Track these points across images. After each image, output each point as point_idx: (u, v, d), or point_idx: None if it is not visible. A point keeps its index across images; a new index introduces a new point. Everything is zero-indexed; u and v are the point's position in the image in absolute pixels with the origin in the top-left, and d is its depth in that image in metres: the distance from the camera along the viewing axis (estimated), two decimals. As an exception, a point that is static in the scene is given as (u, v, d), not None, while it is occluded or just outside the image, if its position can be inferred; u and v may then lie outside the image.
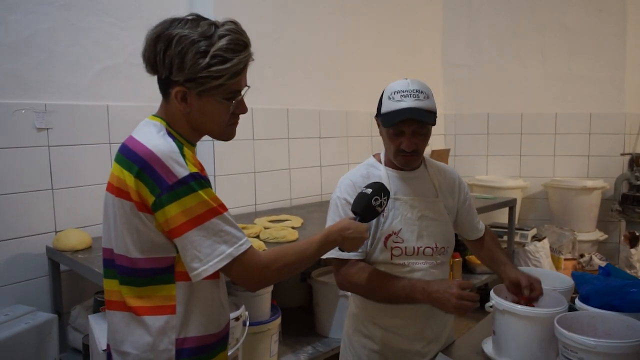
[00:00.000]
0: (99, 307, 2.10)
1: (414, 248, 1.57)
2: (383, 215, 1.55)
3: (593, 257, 3.86)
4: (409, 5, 4.30)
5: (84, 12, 2.44)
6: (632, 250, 3.85)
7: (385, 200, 1.38)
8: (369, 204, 1.34)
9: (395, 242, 1.56)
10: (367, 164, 1.66)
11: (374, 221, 1.54)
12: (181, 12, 2.75)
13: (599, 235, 4.23)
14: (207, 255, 1.07)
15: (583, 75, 4.41)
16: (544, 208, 4.49)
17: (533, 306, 1.53)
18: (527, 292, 1.50)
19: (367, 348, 1.64)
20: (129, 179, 1.09)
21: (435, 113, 1.51)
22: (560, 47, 4.44)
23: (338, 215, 1.57)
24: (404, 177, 1.60)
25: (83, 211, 2.44)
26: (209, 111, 1.16)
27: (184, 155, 1.09)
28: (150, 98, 2.67)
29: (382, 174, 1.59)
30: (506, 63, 4.58)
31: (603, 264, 3.70)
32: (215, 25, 1.12)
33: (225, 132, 1.22)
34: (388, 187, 1.49)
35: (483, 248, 1.78)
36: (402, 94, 1.46)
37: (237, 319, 2.05)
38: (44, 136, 2.31)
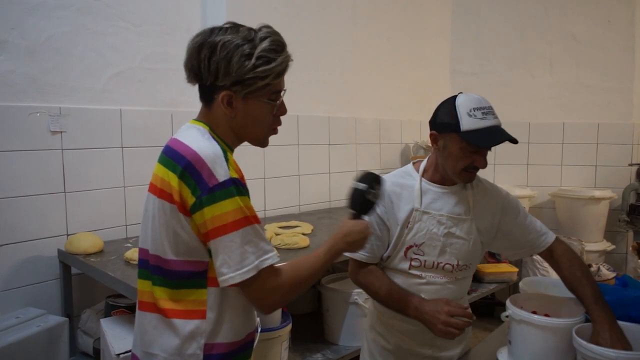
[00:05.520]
0: (110, 311, 2.10)
1: (433, 262, 1.56)
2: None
3: (601, 267, 3.83)
4: (418, 14, 4.31)
5: (99, 17, 2.45)
6: (640, 261, 3.83)
7: (378, 188, 1.32)
8: (365, 199, 1.30)
9: (416, 254, 1.56)
10: (403, 171, 1.64)
11: (397, 229, 1.55)
12: (194, 18, 2.81)
13: (606, 245, 4.21)
14: (236, 263, 1.07)
15: (591, 85, 4.41)
16: (551, 218, 4.47)
17: (549, 316, 1.53)
18: None
19: (380, 345, 1.67)
20: (173, 180, 1.10)
21: None
22: (568, 57, 4.44)
23: None
24: (439, 192, 1.57)
25: (95, 215, 2.44)
26: (254, 113, 1.18)
27: (227, 160, 1.11)
28: (162, 103, 2.73)
29: (416, 184, 1.57)
30: (514, 72, 4.58)
31: (612, 274, 3.68)
32: (253, 30, 1.16)
33: (266, 136, 1.24)
34: (419, 199, 1.51)
35: (559, 269, 1.60)
36: (483, 111, 1.44)
37: (248, 324, 2.04)
38: (57, 139, 2.32)
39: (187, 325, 1.12)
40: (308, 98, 3.40)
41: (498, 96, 4.71)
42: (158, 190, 1.15)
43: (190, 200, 1.08)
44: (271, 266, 1.11)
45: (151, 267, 1.17)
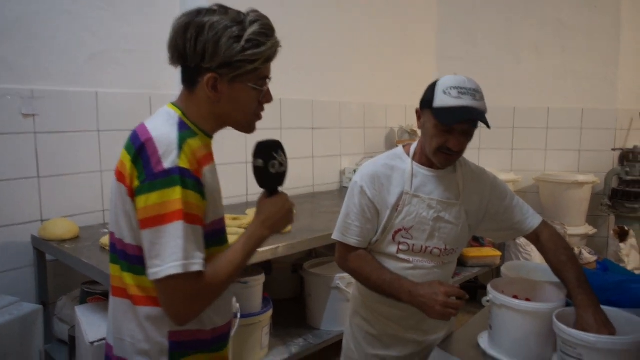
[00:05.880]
0: (86, 297, 2.05)
1: (422, 247, 1.54)
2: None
3: (583, 251, 3.87)
4: (404, -4, 4.26)
5: (72, -4, 2.36)
6: (622, 245, 3.86)
7: (280, 154, 1.19)
8: (271, 174, 1.18)
9: (404, 238, 1.54)
10: (393, 154, 1.61)
11: (387, 212, 1.52)
12: (173, -2, 2.72)
13: (588, 229, 4.25)
14: (168, 256, 1.01)
15: (576, 70, 4.41)
16: (534, 202, 4.49)
17: (530, 300, 1.52)
18: None
19: (364, 331, 1.65)
20: (128, 163, 1.08)
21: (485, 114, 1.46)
22: (554, 42, 4.43)
23: (353, 202, 1.56)
24: (429, 175, 1.55)
25: (70, 200, 2.38)
26: (239, 99, 1.13)
27: (181, 148, 1.05)
28: (140, 85, 2.65)
29: (407, 167, 1.55)
30: (500, 57, 4.55)
31: (593, 258, 3.72)
32: (242, 13, 1.11)
33: (251, 122, 1.19)
34: (409, 182, 1.49)
35: (545, 253, 1.59)
36: (460, 90, 1.41)
37: (228, 311, 2.01)
38: (30, 123, 2.24)
39: (152, 312, 1.09)
40: (291, 81, 3.34)
41: (484, 81, 4.59)
42: (118, 173, 1.12)
43: (135, 184, 1.05)
44: (197, 272, 1.03)
45: (118, 252, 1.14)
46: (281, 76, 3.21)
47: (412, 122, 4.01)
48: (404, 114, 4.33)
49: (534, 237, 1.61)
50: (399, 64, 4.26)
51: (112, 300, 1.18)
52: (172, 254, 1.00)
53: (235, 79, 1.10)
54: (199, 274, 1.04)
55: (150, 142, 1.05)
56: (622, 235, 3.92)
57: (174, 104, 1.16)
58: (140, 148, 1.06)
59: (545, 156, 4.54)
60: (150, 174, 1.02)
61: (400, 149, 1.62)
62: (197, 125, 1.14)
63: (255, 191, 3.16)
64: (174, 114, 1.13)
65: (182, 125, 1.11)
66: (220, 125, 1.19)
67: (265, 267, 2.62)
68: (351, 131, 3.85)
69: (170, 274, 1.00)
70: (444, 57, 4.65)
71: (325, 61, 3.58)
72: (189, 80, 1.13)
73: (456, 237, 1.57)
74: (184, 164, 1.04)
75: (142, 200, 1.03)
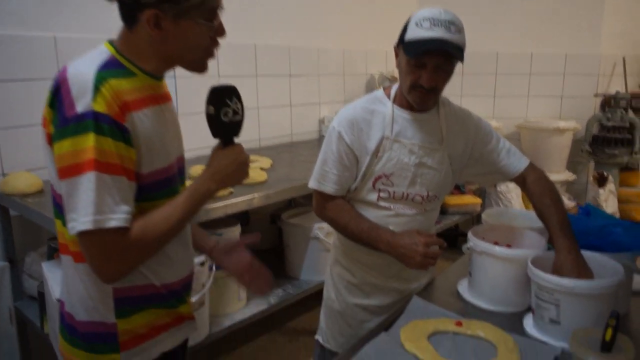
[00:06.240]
0: (52, 253, 1.98)
1: (403, 193, 1.48)
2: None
3: (562, 197, 3.89)
4: None
5: None
6: (600, 190, 3.89)
7: (234, 101, 1.09)
8: (224, 123, 1.08)
9: (385, 185, 1.47)
10: (373, 97, 1.52)
11: (367, 159, 1.45)
12: None
13: (568, 175, 4.26)
14: (80, 210, 0.92)
15: (561, 14, 4.29)
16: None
17: (511, 247, 1.49)
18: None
19: (345, 280, 1.62)
20: (47, 106, 0.97)
21: (464, 49, 1.35)
22: (539, -17, 4.29)
23: (330, 148, 1.48)
24: (410, 119, 1.46)
25: (32, 152, 2.24)
26: (187, 37, 1.01)
27: (97, 89, 0.93)
28: (102, 29, 2.46)
29: (388, 111, 1.46)
30: (483, 0, 4.40)
31: (572, 204, 3.74)
32: None
33: (203, 61, 1.07)
34: (390, 126, 1.42)
35: (530, 196, 1.52)
36: (433, 22, 1.31)
37: (202, 264, 1.97)
38: (-18, 69, 2.09)
39: (89, 269, 1.00)
40: (266, 26, 3.17)
41: (466, 26, 4.46)
42: (43, 118, 1.01)
43: (51, 129, 0.95)
44: (116, 228, 0.94)
45: (57, 205, 1.05)
46: (255, 20, 3.07)
47: (393, 68, 3.89)
48: (385, 59, 4.20)
49: (521, 180, 1.56)
50: (379, 7, 4.09)
51: (61, 257, 1.10)
52: (83, 207, 0.91)
53: (181, 15, 0.98)
54: (119, 230, 0.94)
55: (65, 82, 0.94)
56: (601, 181, 3.94)
57: (110, 42, 1.04)
58: (56, 90, 0.95)
59: (527, 103, 4.48)
60: (63, 119, 0.92)
61: (380, 91, 1.53)
62: (136, 64, 1.02)
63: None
64: (105, 51, 1.01)
65: (109, 64, 0.98)
66: (169, 65, 1.08)
67: (242, 217, 2.56)
68: (330, 78, 3.72)
69: (81, 229, 0.92)
70: (426, 0, 4.49)
71: (302, 4, 3.40)
72: (127, 17, 1.00)
73: (439, 183, 1.51)
74: (100, 107, 0.92)
75: (56, 147, 0.93)
